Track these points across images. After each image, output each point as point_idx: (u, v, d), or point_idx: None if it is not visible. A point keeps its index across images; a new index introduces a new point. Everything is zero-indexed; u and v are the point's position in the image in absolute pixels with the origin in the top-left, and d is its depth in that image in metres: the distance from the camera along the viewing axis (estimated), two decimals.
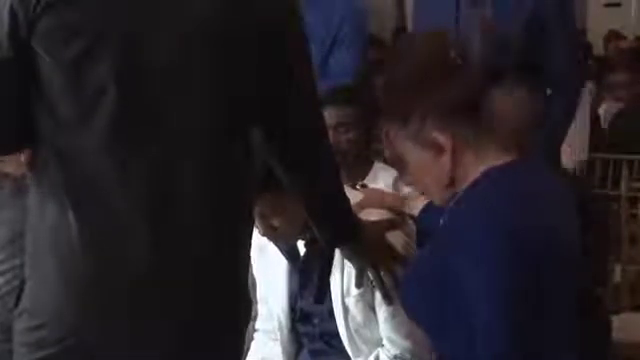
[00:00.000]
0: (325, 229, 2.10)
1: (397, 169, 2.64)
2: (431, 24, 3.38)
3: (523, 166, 1.82)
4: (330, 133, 2.13)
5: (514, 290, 1.69)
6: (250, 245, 1.97)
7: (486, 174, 1.79)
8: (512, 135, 1.83)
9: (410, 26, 4.26)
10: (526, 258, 1.69)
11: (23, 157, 2.02)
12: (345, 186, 2.12)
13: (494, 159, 1.80)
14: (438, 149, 1.80)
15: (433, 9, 3.39)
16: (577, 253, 1.81)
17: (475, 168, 1.80)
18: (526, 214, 1.73)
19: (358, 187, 2.64)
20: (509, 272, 1.68)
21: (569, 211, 1.84)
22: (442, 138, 1.79)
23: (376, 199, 2.44)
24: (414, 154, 1.84)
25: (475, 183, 1.79)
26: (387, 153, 1.99)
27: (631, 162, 5.49)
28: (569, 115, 3.34)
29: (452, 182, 1.82)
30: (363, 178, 2.91)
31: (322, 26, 3.66)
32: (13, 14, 1.72)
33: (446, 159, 1.80)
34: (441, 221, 1.87)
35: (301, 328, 2.54)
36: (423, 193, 2.17)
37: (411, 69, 1.82)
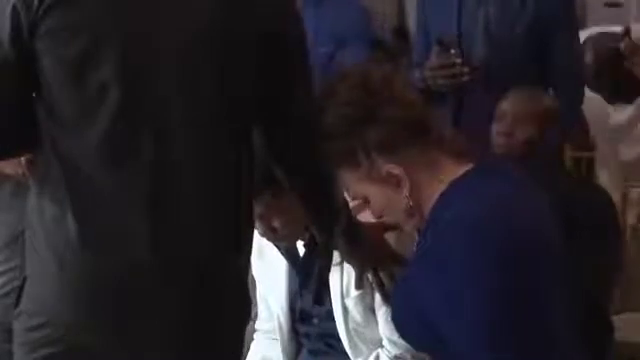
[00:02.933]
0: (324, 230, 2.10)
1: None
2: (433, 24, 3.38)
3: (483, 172, 1.82)
4: None
5: (499, 296, 1.68)
6: (251, 245, 1.97)
7: (450, 188, 1.79)
8: (461, 145, 1.85)
9: (411, 26, 4.26)
10: (505, 263, 1.69)
11: (23, 158, 2.03)
12: None
13: (450, 172, 1.81)
14: (395, 181, 1.81)
15: (435, 9, 3.39)
16: (560, 252, 1.81)
17: (436, 188, 1.80)
18: (499, 220, 1.73)
19: None
20: (490, 279, 1.68)
21: (544, 211, 1.83)
22: (395, 170, 1.80)
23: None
24: (375, 192, 1.85)
25: (440, 201, 1.79)
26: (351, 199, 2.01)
27: None
28: (571, 115, 3.34)
29: (418, 207, 1.82)
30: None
31: (329, 27, 3.67)
32: (15, 15, 1.72)
33: (405, 189, 1.80)
34: (414, 247, 1.87)
35: (301, 328, 2.54)
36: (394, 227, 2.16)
37: (337, 114, 1.84)
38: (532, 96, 3.03)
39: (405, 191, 1.81)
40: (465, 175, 1.80)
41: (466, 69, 3.18)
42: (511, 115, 2.97)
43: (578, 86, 3.36)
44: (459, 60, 3.19)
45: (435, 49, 3.23)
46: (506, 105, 3.01)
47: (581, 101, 3.39)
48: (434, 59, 3.21)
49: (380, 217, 1.95)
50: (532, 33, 3.25)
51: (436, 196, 1.79)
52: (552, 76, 3.25)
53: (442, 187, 1.79)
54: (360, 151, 1.82)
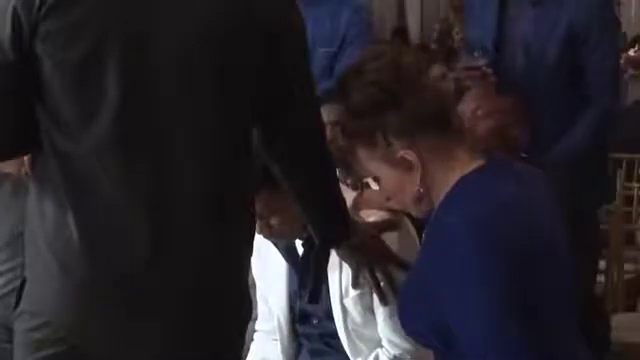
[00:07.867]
0: (321, 229, 2.10)
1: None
2: (474, 25, 3.40)
3: (494, 170, 1.82)
4: (327, 130, 2.13)
5: (506, 295, 1.69)
6: (251, 245, 1.97)
7: (459, 183, 1.79)
8: (479, 141, 1.84)
9: (411, 26, 4.26)
10: (513, 262, 1.70)
11: (25, 157, 2.03)
12: (342, 186, 2.12)
13: (463, 166, 1.81)
14: (408, 166, 1.81)
15: (478, 11, 3.40)
16: (563, 252, 1.81)
17: (447, 178, 1.80)
18: (506, 218, 1.73)
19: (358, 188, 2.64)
20: (498, 278, 1.69)
21: (550, 210, 1.84)
22: (409, 155, 1.80)
23: (377, 200, 2.44)
24: (387, 173, 1.84)
25: (450, 194, 1.79)
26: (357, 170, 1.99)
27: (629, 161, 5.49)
28: (608, 128, 3.36)
29: (426, 195, 1.82)
30: (361, 177, 2.90)
31: (329, 27, 3.67)
32: (16, 16, 1.72)
33: (416, 175, 1.81)
34: (423, 236, 1.87)
35: (300, 328, 2.54)
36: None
37: (362, 92, 1.82)
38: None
39: (416, 178, 1.81)
40: (474, 172, 1.80)
41: (490, 70, 3.18)
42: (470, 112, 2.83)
43: (613, 101, 3.36)
44: (483, 62, 3.19)
45: (462, 53, 3.25)
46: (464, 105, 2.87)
47: (614, 114, 3.39)
48: (462, 62, 3.22)
49: (388, 199, 1.94)
50: (566, 49, 3.24)
51: (447, 187, 1.80)
52: (587, 91, 3.25)
53: (453, 179, 1.80)
54: (378, 132, 1.81)
